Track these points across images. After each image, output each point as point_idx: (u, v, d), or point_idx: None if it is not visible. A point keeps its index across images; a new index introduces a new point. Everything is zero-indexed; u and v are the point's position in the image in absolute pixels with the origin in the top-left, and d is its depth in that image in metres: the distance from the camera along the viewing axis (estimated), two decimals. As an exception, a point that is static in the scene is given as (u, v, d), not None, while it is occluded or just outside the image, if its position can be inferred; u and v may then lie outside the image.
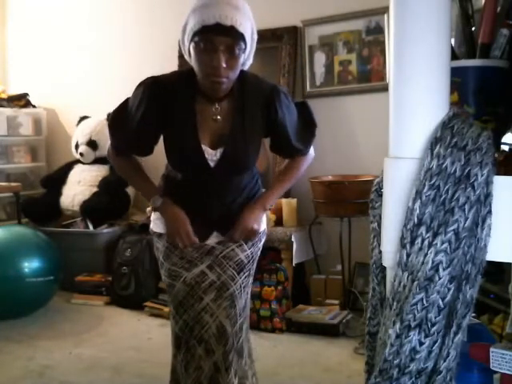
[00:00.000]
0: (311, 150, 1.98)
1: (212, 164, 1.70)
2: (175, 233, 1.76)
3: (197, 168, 1.73)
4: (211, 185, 1.78)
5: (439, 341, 0.82)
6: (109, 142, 1.83)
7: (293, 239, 3.38)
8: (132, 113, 1.69)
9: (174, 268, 1.81)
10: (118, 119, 1.76)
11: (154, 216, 1.88)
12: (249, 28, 1.59)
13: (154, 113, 1.67)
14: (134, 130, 1.70)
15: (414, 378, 0.81)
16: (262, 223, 1.90)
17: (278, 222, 3.49)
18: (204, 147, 1.69)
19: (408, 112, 0.87)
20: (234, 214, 1.82)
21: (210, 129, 1.69)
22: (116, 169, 1.88)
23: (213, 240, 1.83)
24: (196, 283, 1.78)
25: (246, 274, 1.84)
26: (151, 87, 1.68)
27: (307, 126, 1.91)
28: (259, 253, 1.93)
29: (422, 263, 0.81)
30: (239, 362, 1.81)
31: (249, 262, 1.84)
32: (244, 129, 1.70)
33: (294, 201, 3.54)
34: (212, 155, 1.70)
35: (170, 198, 1.80)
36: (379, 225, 0.94)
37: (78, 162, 4.54)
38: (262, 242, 1.94)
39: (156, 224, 1.87)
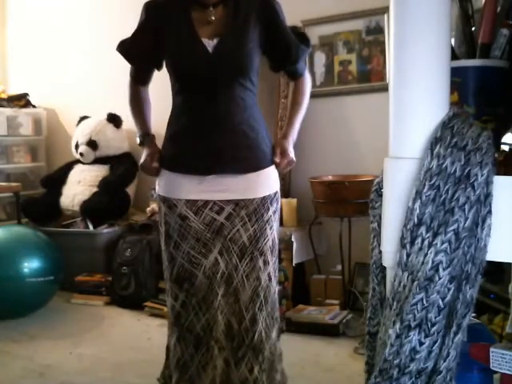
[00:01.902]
0: (307, 73, 2.01)
1: (210, 50, 1.77)
2: (143, 166, 1.92)
3: (196, 58, 1.79)
4: (212, 100, 1.78)
5: (439, 341, 0.82)
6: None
7: (293, 239, 3.38)
8: (135, 31, 1.93)
9: (194, 253, 1.80)
10: (125, 41, 1.97)
11: (158, 179, 1.92)
12: None
13: (152, 24, 1.89)
14: (137, 40, 1.92)
15: (413, 378, 0.81)
16: (275, 184, 1.89)
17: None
18: (202, 39, 1.79)
19: (408, 112, 0.87)
20: (237, 149, 1.79)
21: (206, 29, 1.81)
22: (128, 98, 2.02)
23: (218, 186, 1.78)
24: (212, 274, 1.80)
25: (248, 259, 1.79)
26: (148, 5, 1.92)
27: (300, 37, 1.94)
28: (268, 226, 1.83)
29: (422, 263, 0.81)
30: (259, 357, 1.79)
31: (251, 243, 1.80)
32: (236, 27, 1.79)
33: (294, 201, 3.54)
34: (209, 44, 1.79)
35: (173, 136, 1.87)
36: (379, 225, 0.94)
37: (78, 162, 4.54)
38: (274, 210, 1.86)
39: (160, 186, 1.89)
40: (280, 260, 3.39)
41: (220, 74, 1.76)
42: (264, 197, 1.83)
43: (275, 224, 1.87)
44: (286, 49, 1.87)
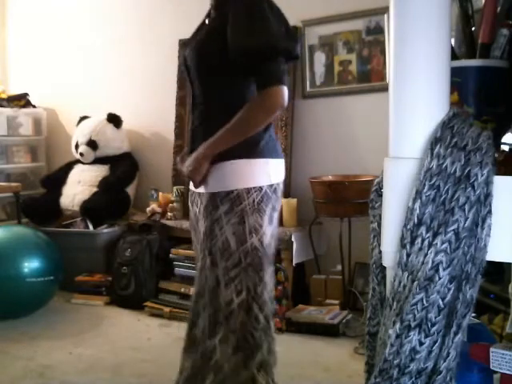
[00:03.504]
0: (272, 94, 1.62)
1: (186, 52, 1.82)
2: None
3: (182, 59, 1.86)
4: (192, 96, 1.83)
5: (439, 341, 0.82)
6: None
7: (293, 239, 3.38)
8: None
9: (193, 240, 1.92)
10: None
11: None
12: None
13: None
14: None
15: (414, 378, 0.81)
16: (231, 182, 1.71)
17: (278, 221, 3.49)
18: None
19: (408, 112, 0.87)
20: (197, 142, 1.77)
21: (198, 32, 1.86)
22: None
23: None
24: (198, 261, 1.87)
25: (202, 254, 1.77)
26: None
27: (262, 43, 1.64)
28: (217, 226, 1.71)
29: (422, 263, 0.81)
30: (197, 352, 1.82)
31: (204, 240, 1.76)
32: (207, 29, 1.80)
33: (294, 201, 3.54)
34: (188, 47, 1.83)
35: None
36: (379, 225, 0.94)
37: (78, 162, 4.54)
38: (226, 210, 1.71)
39: None
40: (280, 260, 3.39)
41: (189, 71, 1.83)
42: (213, 193, 1.73)
43: (229, 227, 1.71)
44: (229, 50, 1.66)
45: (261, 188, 1.73)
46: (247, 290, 1.73)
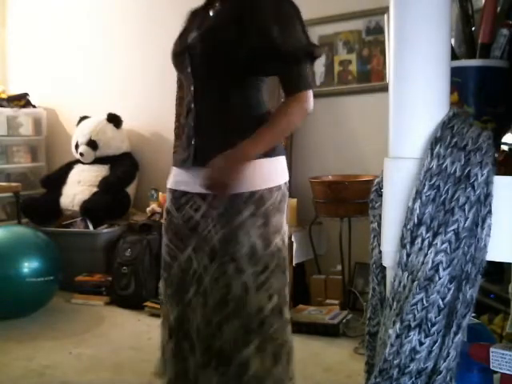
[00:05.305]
0: (307, 98, 1.72)
1: (189, 40, 1.73)
2: None
3: (179, 48, 1.77)
4: (194, 95, 1.71)
5: (439, 341, 0.82)
6: None
7: (293, 239, 3.38)
8: None
9: (171, 246, 1.76)
10: None
11: None
12: None
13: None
14: None
15: (414, 378, 0.81)
16: (253, 182, 1.62)
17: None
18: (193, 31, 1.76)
19: (408, 112, 0.87)
20: (210, 140, 1.67)
21: (204, 22, 1.76)
22: None
23: (196, 178, 1.67)
24: (186, 270, 1.72)
25: (218, 262, 1.63)
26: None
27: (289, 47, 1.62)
28: (241, 231, 1.61)
29: (422, 263, 0.81)
30: (222, 368, 1.66)
31: (221, 247, 1.62)
32: (213, 20, 1.72)
33: (294, 201, 3.54)
34: (191, 36, 1.75)
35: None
36: (379, 225, 0.94)
37: (78, 161, 4.55)
38: (251, 213, 1.62)
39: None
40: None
41: (192, 62, 1.71)
42: (235, 195, 1.61)
43: (254, 230, 1.62)
44: (253, 49, 1.61)
45: (280, 187, 1.70)
46: (278, 294, 1.66)
